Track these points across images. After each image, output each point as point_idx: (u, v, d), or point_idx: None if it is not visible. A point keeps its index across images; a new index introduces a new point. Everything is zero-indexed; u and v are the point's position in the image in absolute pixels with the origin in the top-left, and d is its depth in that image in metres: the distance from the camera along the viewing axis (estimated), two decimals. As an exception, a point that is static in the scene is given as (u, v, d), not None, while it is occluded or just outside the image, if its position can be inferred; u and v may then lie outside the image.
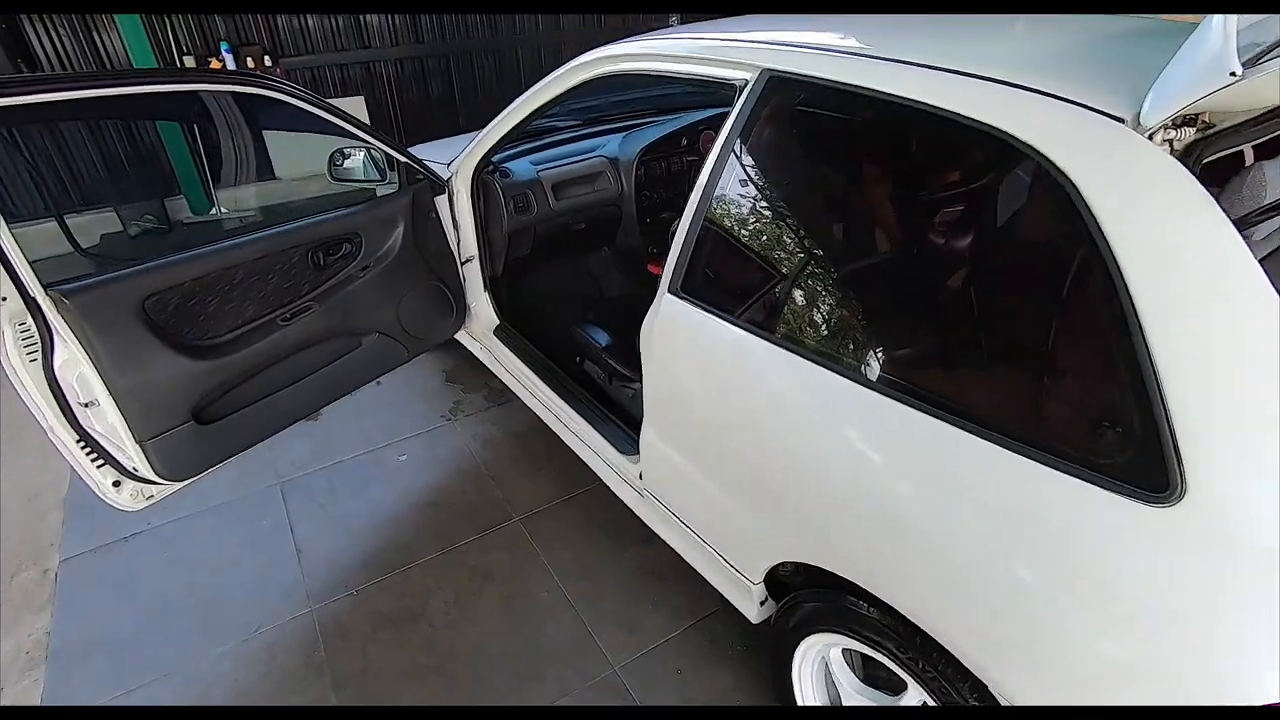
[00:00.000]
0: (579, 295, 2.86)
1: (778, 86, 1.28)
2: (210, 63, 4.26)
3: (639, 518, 1.88)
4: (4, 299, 1.35)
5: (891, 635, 1.16)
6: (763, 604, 1.50)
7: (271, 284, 1.78)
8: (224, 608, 1.96)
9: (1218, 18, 0.77)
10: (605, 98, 2.95)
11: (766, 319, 1.29)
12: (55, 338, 1.43)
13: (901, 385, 1.07)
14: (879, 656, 1.22)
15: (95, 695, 1.73)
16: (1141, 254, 0.83)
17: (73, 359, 1.47)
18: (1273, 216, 0.93)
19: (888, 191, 1.23)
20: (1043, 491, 0.90)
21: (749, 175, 1.34)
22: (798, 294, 1.27)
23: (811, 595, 1.34)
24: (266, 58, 4.41)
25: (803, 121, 1.31)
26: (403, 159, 2.02)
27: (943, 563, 1.02)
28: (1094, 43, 1.19)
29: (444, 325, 2.30)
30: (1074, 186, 0.88)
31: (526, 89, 1.92)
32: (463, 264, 2.31)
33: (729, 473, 1.43)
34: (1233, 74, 0.74)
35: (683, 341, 1.45)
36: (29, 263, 1.35)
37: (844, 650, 1.38)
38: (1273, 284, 0.77)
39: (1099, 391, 0.90)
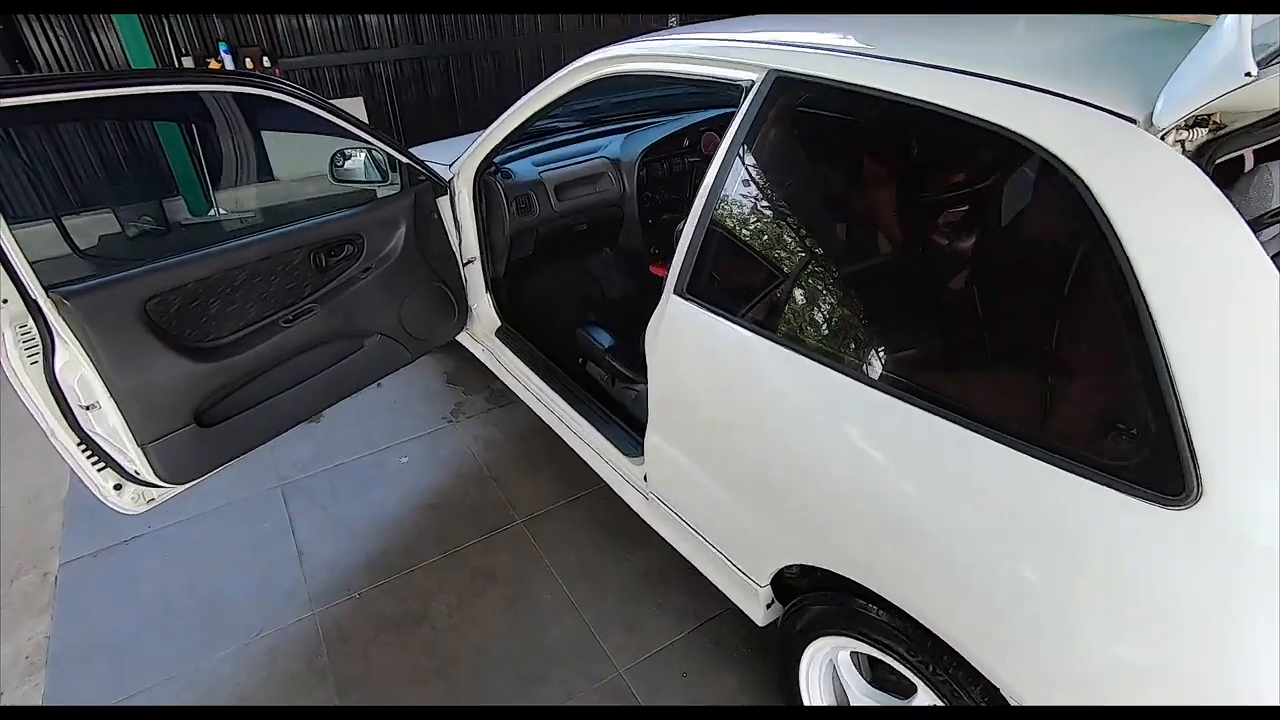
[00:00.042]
0: (581, 296, 2.85)
1: (785, 87, 1.27)
2: (209, 63, 4.25)
3: (642, 519, 1.87)
4: (5, 301, 1.34)
5: (902, 638, 1.15)
6: (769, 607, 1.50)
7: (274, 285, 1.77)
8: (225, 611, 1.95)
9: (1231, 17, 0.76)
10: (606, 98, 2.95)
11: (776, 321, 1.28)
12: (56, 340, 1.42)
13: (918, 389, 1.07)
14: (888, 660, 1.21)
15: (96, 700, 1.72)
16: (1155, 255, 0.83)
17: (74, 361, 1.46)
18: (1283, 218, 0.93)
19: (898, 192, 1.23)
20: (1057, 494, 0.90)
21: (756, 176, 1.34)
22: (807, 295, 1.27)
23: (819, 598, 1.34)
24: (265, 59, 4.40)
25: (810, 122, 1.31)
26: (405, 160, 2.02)
27: (955, 566, 1.02)
28: (1100, 43, 1.19)
29: (446, 327, 2.30)
30: (1087, 187, 0.88)
31: (526, 90, 1.92)
32: (464, 265, 2.31)
33: (736, 475, 1.42)
34: (1248, 74, 0.73)
35: (689, 343, 1.45)
36: (30, 264, 1.34)
37: (852, 653, 1.38)
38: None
39: (1113, 393, 0.90)
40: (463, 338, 2.54)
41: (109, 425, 1.55)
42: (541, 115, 1.93)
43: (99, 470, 1.59)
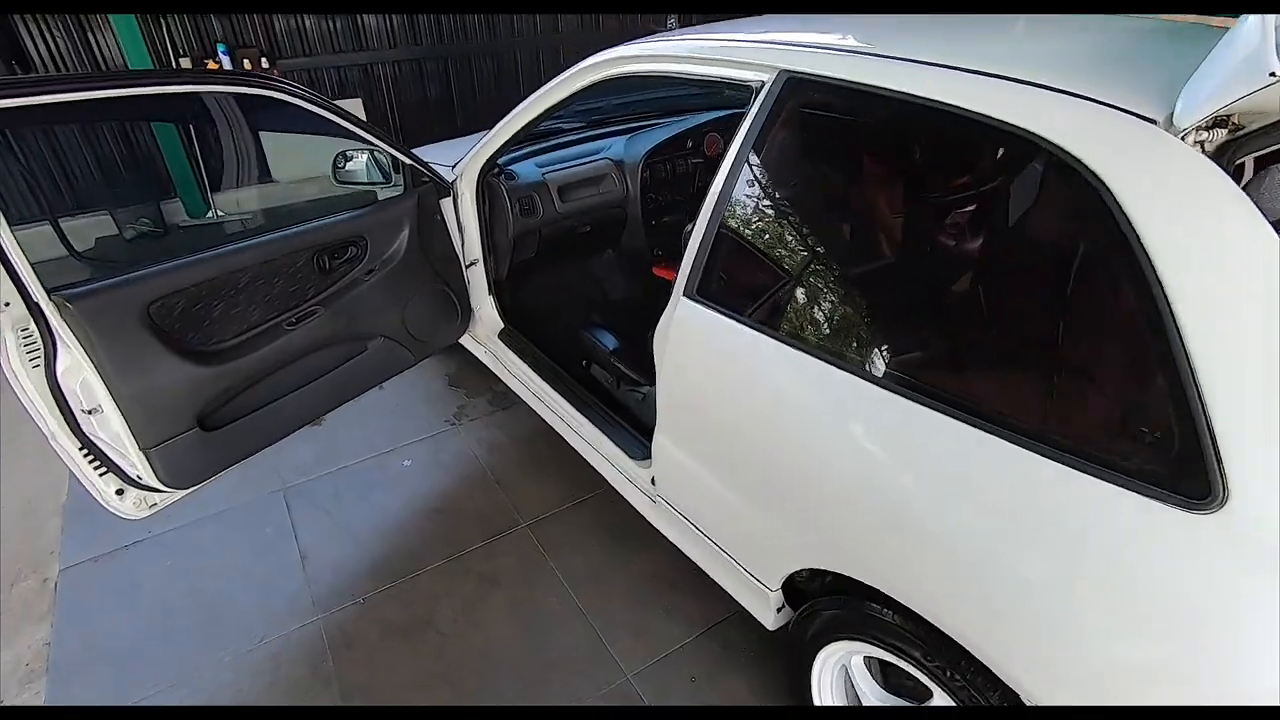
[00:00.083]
0: (584, 298, 2.84)
1: (796, 88, 1.26)
2: (207, 64, 4.22)
3: (648, 522, 1.86)
4: (7, 304, 1.32)
5: (918, 642, 1.14)
6: (779, 611, 1.48)
7: (277, 288, 1.75)
8: (228, 616, 1.93)
9: (1255, 17, 0.76)
10: (609, 100, 2.94)
11: (789, 324, 1.27)
12: (58, 343, 1.40)
13: (940, 394, 1.05)
14: (904, 664, 1.20)
15: (97, 707, 1.70)
16: (1178, 256, 0.82)
17: (76, 365, 1.44)
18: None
19: (914, 193, 1.22)
20: (1080, 497, 0.89)
21: (766, 178, 1.33)
22: (822, 298, 1.26)
23: (831, 603, 1.33)
24: (263, 60, 4.37)
25: (822, 123, 1.30)
26: (407, 161, 2.00)
27: (971, 567, 1.01)
28: (1112, 43, 1.19)
29: (449, 329, 2.28)
30: (1107, 189, 0.87)
31: (525, 91, 1.91)
32: (467, 267, 2.29)
33: (747, 477, 1.41)
34: (1272, 74, 0.72)
35: (699, 346, 1.44)
36: (32, 267, 1.32)
37: (865, 657, 1.37)
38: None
39: (1137, 396, 0.89)
40: (466, 340, 2.53)
41: (111, 429, 1.53)
42: (547, 116, 1.92)
43: (101, 475, 1.57)
